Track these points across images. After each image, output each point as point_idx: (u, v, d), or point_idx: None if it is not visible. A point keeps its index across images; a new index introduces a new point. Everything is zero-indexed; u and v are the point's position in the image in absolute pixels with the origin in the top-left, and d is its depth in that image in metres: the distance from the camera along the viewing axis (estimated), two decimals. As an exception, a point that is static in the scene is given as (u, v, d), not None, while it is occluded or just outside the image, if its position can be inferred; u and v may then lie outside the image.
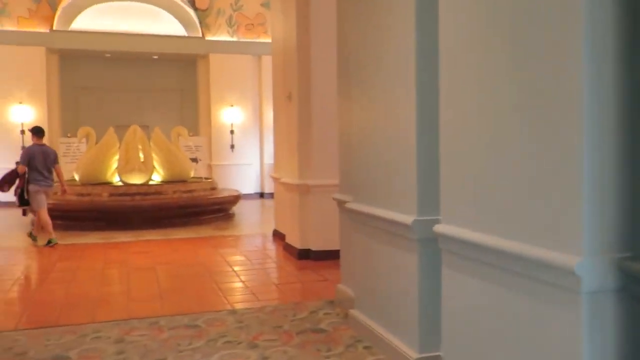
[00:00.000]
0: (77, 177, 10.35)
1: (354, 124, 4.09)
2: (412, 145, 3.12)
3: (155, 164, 10.47)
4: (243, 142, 14.62)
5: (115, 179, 10.44)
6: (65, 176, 11.88)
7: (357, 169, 4.02)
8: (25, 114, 12.86)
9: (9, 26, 12.90)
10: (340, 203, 4.58)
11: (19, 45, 12.83)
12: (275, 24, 8.10)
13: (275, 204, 8.44)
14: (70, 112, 14.37)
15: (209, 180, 10.82)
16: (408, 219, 3.12)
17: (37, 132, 8.00)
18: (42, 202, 7.77)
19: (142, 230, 9.05)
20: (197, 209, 9.71)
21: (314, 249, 6.65)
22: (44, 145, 8.04)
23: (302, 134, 6.69)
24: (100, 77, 14.61)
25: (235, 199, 10.47)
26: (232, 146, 14.56)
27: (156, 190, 9.62)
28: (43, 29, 13.17)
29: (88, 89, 14.62)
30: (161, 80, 15.09)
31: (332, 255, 6.60)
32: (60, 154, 12.94)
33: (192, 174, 11.06)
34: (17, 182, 7.74)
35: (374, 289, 3.76)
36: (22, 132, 12.87)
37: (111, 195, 9.35)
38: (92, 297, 5.15)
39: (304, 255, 6.70)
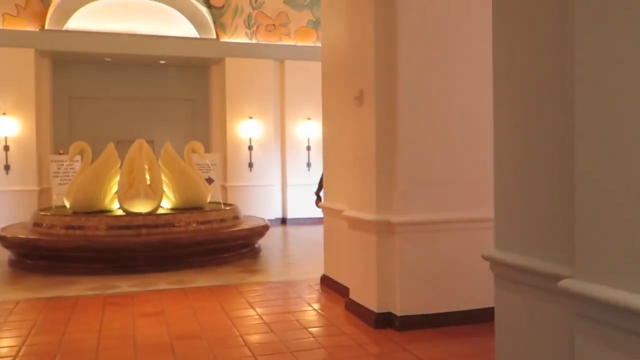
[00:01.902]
0: (67, 204, 8.35)
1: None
2: None
3: (165, 187, 8.48)
4: (262, 160, 12.64)
5: (115, 207, 8.44)
6: (56, 202, 9.90)
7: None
8: (9, 126, 10.88)
9: (-7, 24, 10.99)
10: (499, 264, 2.60)
11: (3, 47, 10.90)
12: (333, 20, 6.18)
13: (326, 240, 6.44)
14: (63, 125, 12.41)
15: (231, 207, 8.81)
16: None
17: None
18: None
19: (149, 273, 7.02)
20: (217, 245, 7.70)
21: (400, 313, 4.64)
22: None
23: (381, 149, 4.73)
24: (98, 85, 12.68)
25: (263, 230, 8.45)
26: (250, 164, 12.58)
27: (167, 221, 7.61)
28: (32, 28, 11.26)
29: (84, 98, 12.68)
30: (169, 88, 13.18)
31: (427, 323, 4.63)
32: (50, 174, 11.00)
33: (208, 199, 9.06)
34: None
35: None
36: (6, 147, 10.89)
37: (110, 228, 7.34)
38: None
39: (384, 321, 4.71)
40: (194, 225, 7.75)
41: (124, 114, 12.88)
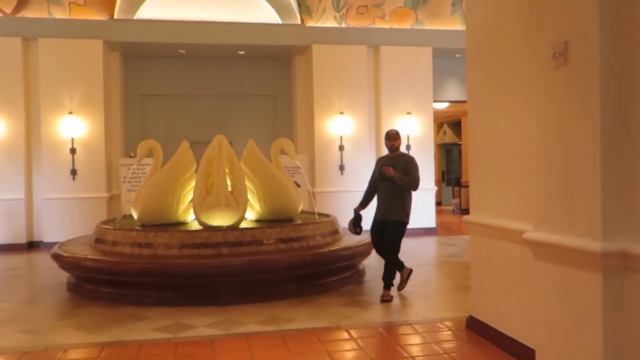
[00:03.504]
0: (134, 215, 6.97)
1: None
2: None
3: (250, 195, 6.93)
4: (355, 161, 10.93)
5: (191, 219, 6.99)
6: (125, 210, 8.62)
7: None
8: (76, 127, 9.77)
9: (59, 15, 9.93)
10: None
11: (70, 38, 9.82)
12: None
13: (475, 269, 4.59)
14: (135, 126, 11.26)
15: (328, 219, 7.13)
16: None
17: None
18: None
19: (232, 306, 5.45)
20: (316, 269, 6.03)
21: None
22: None
23: (609, 133, 2.86)
24: (172, 81, 11.45)
25: (368, 247, 6.69)
26: (342, 167, 10.90)
27: (253, 237, 6.02)
28: (101, 18, 10.13)
29: (157, 96, 11.49)
30: (249, 83, 11.77)
31: None
32: (120, 179, 9.80)
33: (300, 209, 7.44)
34: None
35: None
36: (73, 150, 9.77)
37: (183, 246, 5.84)
38: None
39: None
40: (286, 242, 6.12)
41: (199, 113, 11.59)
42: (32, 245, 9.86)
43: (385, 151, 6.33)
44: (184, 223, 6.94)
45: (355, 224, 5.99)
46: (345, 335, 4.60)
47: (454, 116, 18.24)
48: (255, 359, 4.07)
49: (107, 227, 6.47)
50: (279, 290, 5.81)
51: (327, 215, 7.55)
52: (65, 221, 9.65)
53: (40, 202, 9.83)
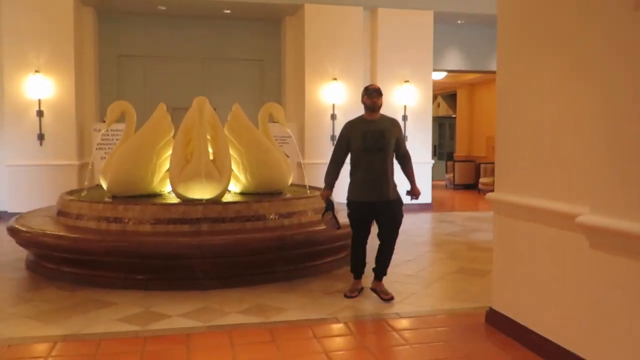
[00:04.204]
0: (104, 185, 6.21)
1: None
2: None
3: (234, 165, 6.19)
4: (347, 132, 10.18)
5: (167, 191, 6.24)
6: (89, 182, 7.82)
7: None
8: (43, 87, 8.87)
9: (25, -37, 8.94)
10: None
11: (37, -9, 8.86)
12: None
13: (498, 255, 3.92)
14: (110, 89, 10.37)
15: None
16: None
17: None
18: None
19: (212, 291, 4.76)
20: (309, 249, 5.34)
21: None
22: None
23: None
24: (152, 41, 10.55)
25: (367, 226, 6.01)
26: (333, 137, 10.16)
27: (238, 212, 5.30)
28: (72, -33, 9.16)
29: (135, 57, 10.59)
30: (234, 46, 10.92)
31: None
32: (93, 146, 8.98)
33: (290, 181, 6.73)
34: None
35: None
36: (40, 113, 8.90)
37: (158, 221, 5.11)
38: None
39: None
40: (276, 218, 5.42)
41: (180, 77, 10.72)
42: (-5, 216, 9.05)
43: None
44: (159, 195, 6.20)
45: (333, 215, 4.58)
46: (343, 329, 3.94)
47: (449, 88, 17.53)
48: (237, 355, 3.40)
49: (71, 198, 5.69)
50: (265, 273, 5.12)
51: (319, 189, 6.83)
52: (32, 190, 8.83)
53: (4, 169, 8.98)
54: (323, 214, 4.65)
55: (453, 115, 18.29)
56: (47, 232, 5.12)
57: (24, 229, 5.32)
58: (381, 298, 4.52)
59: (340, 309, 4.36)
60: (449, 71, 12.51)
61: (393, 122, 4.60)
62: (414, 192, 4.64)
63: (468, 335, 3.80)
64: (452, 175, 15.38)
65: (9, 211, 8.83)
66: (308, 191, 6.73)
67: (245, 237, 4.98)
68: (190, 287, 4.86)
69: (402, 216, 4.56)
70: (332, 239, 5.44)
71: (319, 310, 4.30)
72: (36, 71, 8.79)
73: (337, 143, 4.66)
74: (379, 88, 4.56)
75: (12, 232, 5.42)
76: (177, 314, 4.19)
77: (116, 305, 4.40)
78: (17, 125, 8.87)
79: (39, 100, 8.86)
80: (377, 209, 4.47)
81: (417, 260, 6.11)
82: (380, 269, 4.63)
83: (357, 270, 4.72)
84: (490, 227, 8.41)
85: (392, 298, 4.51)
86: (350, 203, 4.57)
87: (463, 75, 15.08)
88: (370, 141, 4.41)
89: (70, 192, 6.33)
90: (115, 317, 4.13)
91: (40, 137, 8.91)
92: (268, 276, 5.11)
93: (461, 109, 17.00)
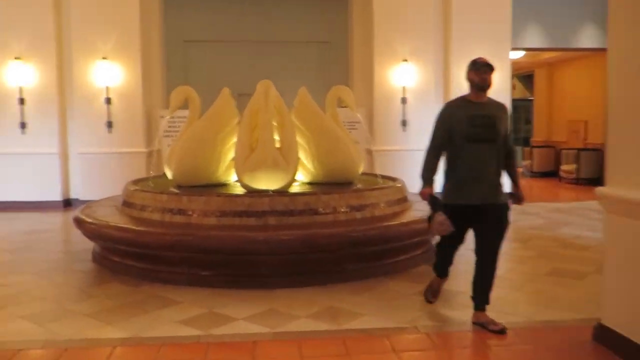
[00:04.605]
0: (168, 174, 6.01)
1: None
2: None
3: (301, 153, 5.82)
4: (419, 116, 9.59)
5: (233, 180, 5.97)
6: (155, 170, 7.68)
7: None
8: (110, 74, 8.82)
9: (91, -51, 8.88)
10: None
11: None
12: None
13: (612, 262, 3.33)
14: (177, 75, 10.23)
15: (395, 183, 5.93)
16: None
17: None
18: None
19: (279, 290, 4.43)
20: (384, 246, 4.91)
21: None
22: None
23: None
24: (216, 25, 10.32)
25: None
26: (404, 122, 9.62)
27: (306, 204, 4.93)
28: (137, -49, 9.02)
29: (201, 42, 10.41)
30: (300, 28, 10.51)
31: None
32: (160, 134, 8.89)
33: (361, 171, 6.30)
34: None
35: None
36: (108, 100, 8.88)
37: (223, 214, 4.82)
38: None
39: None
40: (347, 212, 5.01)
41: (246, 61, 10.43)
42: (69, 204, 9.15)
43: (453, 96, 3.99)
44: (225, 185, 5.93)
45: (445, 215, 3.62)
46: (425, 341, 3.50)
47: (525, 68, 16.44)
48: (310, 374, 3.04)
49: (135, 188, 5.51)
50: (337, 271, 4.74)
51: (392, 179, 6.37)
52: (102, 178, 8.85)
53: (75, 157, 9.05)
54: (430, 217, 3.76)
55: (529, 98, 17.19)
56: (111, 223, 4.95)
57: (88, 219, 5.17)
58: (490, 330, 3.60)
59: (420, 315, 3.91)
60: (527, 49, 11.62)
61: (502, 107, 3.73)
62: (518, 197, 3.86)
63: (575, 355, 3.26)
64: (529, 162, 14.44)
65: (81, 199, 8.89)
66: (380, 181, 6.28)
67: (314, 232, 4.61)
68: (257, 285, 4.55)
69: (508, 224, 3.74)
70: (409, 234, 4.98)
71: (396, 317, 3.87)
72: (103, 58, 8.76)
73: (435, 129, 3.75)
74: (489, 62, 3.64)
75: (78, 222, 5.30)
76: (242, 316, 3.88)
77: (179, 304, 4.15)
78: (87, 113, 8.89)
79: (107, 88, 8.83)
80: (481, 214, 3.64)
81: (504, 258, 5.52)
82: (482, 296, 3.72)
83: (443, 267, 4.07)
84: (579, 220, 7.68)
85: (504, 329, 3.58)
86: (445, 206, 3.68)
87: (541, 54, 14.03)
88: (480, 129, 3.56)
89: (136, 182, 6.17)
90: (177, 318, 3.87)
91: (109, 124, 8.90)
92: (339, 275, 4.72)
93: (539, 90, 15.91)
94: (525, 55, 13.38)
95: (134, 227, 4.80)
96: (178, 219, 4.94)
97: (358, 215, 5.08)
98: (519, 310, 4.02)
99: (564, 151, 13.19)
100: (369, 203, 5.23)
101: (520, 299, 4.32)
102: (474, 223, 3.72)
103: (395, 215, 5.32)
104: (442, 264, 4.08)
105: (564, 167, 12.93)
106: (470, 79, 3.68)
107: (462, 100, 3.76)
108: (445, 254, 4.02)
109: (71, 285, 4.72)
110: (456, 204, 3.65)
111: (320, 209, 4.94)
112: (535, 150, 14.39)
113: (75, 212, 5.59)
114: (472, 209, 3.64)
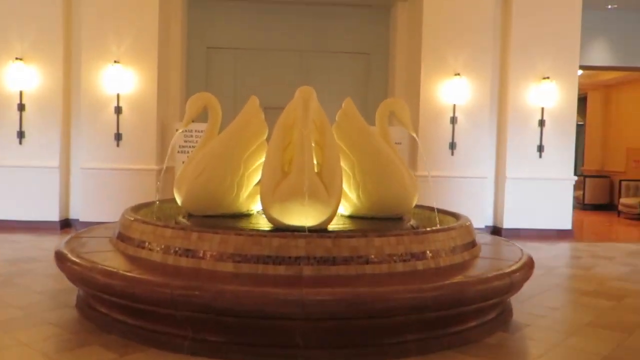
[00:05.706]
0: (178, 199, 4.86)
1: None
2: None
3: (344, 180, 4.62)
4: (469, 137, 8.40)
5: (256, 210, 4.79)
6: (164, 194, 6.55)
7: None
8: (122, 80, 7.79)
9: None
10: None
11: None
12: None
13: None
14: (198, 84, 9.22)
15: (461, 223, 4.67)
16: None
17: None
18: None
19: (317, 372, 3.21)
20: (453, 311, 3.65)
21: None
22: None
23: None
24: (244, 31, 9.31)
25: (528, 270, 4.22)
26: (452, 145, 8.40)
27: (353, 250, 3.72)
28: (158, -55, 8.04)
29: (226, 49, 9.40)
30: (337, 37, 9.49)
31: None
32: (176, 148, 7.80)
33: (414, 202, 5.07)
34: None
35: None
36: (118, 109, 7.83)
37: (243, 259, 3.64)
38: None
39: None
40: (406, 260, 3.79)
41: (275, 72, 9.40)
42: (67, 225, 8.08)
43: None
44: (246, 215, 4.77)
45: None
46: None
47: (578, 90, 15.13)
48: None
49: (134, 218, 4.36)
50: (391, 343, 3.50)
51: (453, 215, 5.13)
52: (106, 197, 7.78)
53: (77, 172, 8.00)
54: None
55: (580, 123, 15.84)
56: (97, 266, 3.78)
57: (71, 257, 4.02)
58: None
59: None
60: (592, 68, 10.38)
61: None
62: None
63: None
64: (581, 192, 13.06)
65: (81, 220, 7.82)
66: (437, 217, 5.04)
67: (368, 291, 3.38)
68: (286, 357, 3.34)
69: None
70: (492, 293, 3.74)
71: None
72: (115, 61, 7.72)
73: None
74: None
75: (59, 259, 4.15)
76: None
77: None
78: (93, 122, 7.86)
79: (118, 95, 7.79)
80: None
81: (596, 323, 4.24)
82: None
83: None
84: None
85: None
86: None
87: (598, 74, 12.78)
88: None
89: (137, 207, 5.03)
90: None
91: (118, 136, 7.84)
92: (396, 348, 3.48)
93: (592, 114, 14.57)
94: (582, 76, 12.11)
95: (124, 273, 3.62)
96: (184, 262, 3.77)
97: (420, 265, 3.85)
98: None
99: (624, 182, 11.81)
100: (433, 249, 4.00)
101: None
102: None
103: (466, 265, 4.08)
104: None
105: (624, 200, 11.54)
106: None
107: None
108: None
109: (35, 347, 3.54)
110: None
111: (372, 257, 3.73)
112: (588, 180, 13.03)
113: (60, 244, 4.45)
114: None
